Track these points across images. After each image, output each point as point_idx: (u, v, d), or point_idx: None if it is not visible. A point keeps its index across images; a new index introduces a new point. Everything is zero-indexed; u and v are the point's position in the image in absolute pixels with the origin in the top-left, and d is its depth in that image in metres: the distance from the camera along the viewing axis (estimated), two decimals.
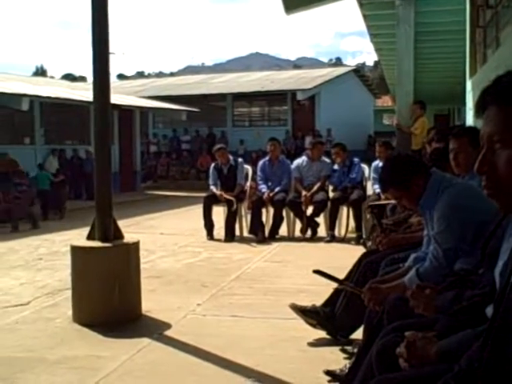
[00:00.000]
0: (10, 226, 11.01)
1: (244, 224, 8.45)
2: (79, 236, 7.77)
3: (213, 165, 8.86)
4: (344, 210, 8.10)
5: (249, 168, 9.06)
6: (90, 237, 4.73)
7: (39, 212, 12.13)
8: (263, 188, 8.53)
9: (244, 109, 25.46)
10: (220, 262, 6.78)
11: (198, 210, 9.14)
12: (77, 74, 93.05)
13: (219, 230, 8.46)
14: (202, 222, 8.45)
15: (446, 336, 2.06)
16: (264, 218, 8.42)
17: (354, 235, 7.98)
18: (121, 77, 68.49)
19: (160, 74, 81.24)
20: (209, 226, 8.41)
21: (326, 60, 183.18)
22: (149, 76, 77.43)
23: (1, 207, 12.86)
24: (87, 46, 4.95)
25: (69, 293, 4.82)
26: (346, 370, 3.15)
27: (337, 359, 3.51)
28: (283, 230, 8.41)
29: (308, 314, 3.92)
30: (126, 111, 18.57)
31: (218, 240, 8.23)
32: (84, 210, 12.13)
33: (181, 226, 9.86)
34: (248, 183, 8.85)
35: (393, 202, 4.68)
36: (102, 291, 4.43)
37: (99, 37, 4.67)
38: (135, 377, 3.39)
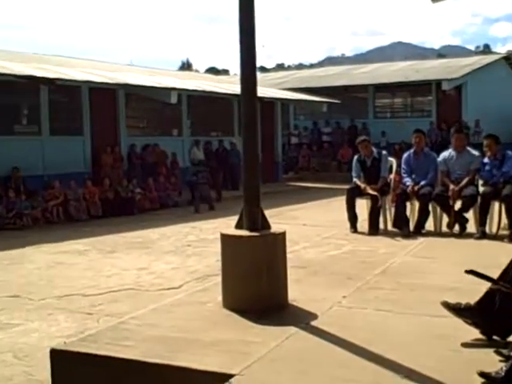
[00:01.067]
0: (161, 213, 11.66)
1: (388, 217, 8.30)
2: (225, 224, 8.09)
3: (356, 157, 8.79)
4: (495, 205, 7.71)
5: (393, 160, 8.88)
6: (238, 226, 4.85)
7: (214, 196, 12.77)
8: (408, 181, 8.32)
9: (386, 100, 25.02)
10: (364, 255, 6.72)
11: (339, 201, 9.14)
12: (220, 67, 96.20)
13: (362, 222, 8.39)
14: (344, 214, 8.42)
15: None
16: (408, 212, 8.22)
17: (506, 232, 7.55)
18: (261, 69, 69.69)
19: (300, 66, 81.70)
20: (352, 218, 8.35)
21: (472, 47, 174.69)
22: (289, 68, 78.20)
23: (152, 195, 13.70)
24: (230, 40, 5.08)
25: (217, 278, 5.02)
26: (503, 374, 3.02)
27: (492, 361, 3.35)
28: (429, 225, 8.16)
29: (461, 312, 3.78)
30: (268, 103, 18.92)
31: (362, 233, 8.15)
32: (229, 200, 12.58)
33: (323, 218, 9.92)
34: (392, 176, 8.69)
35: None
36: (251, 279, 4.55)
37: (246, 30, 4.73)
38: (285, 363, 3.46)
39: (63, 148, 14.02)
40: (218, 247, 4.93)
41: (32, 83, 12.91)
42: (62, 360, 3.78)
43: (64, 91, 14.27)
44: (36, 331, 5.17)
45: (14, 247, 8.96)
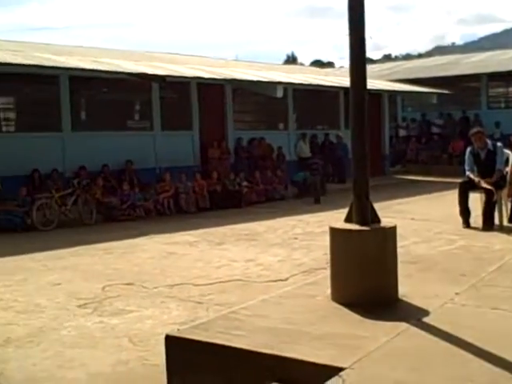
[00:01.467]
0: (267, 206, 11.79)
1: (504, 212, 7.94)
2: (332, 218, 8.05)
3: (469, 149, 8.48)
4: None
5: (509, 153, 8.48)
6: (347, 219, 4.80)
7: (320, 190, 12.88)
8: None
9: (500, 89, 23.91)
10: (478, 251, 6.45)
11: (450, 195, 8.86)
12: (324, 59, 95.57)
13: (476, 217, 8.06)
14: (456, 209, 8.14)
15: None
16: None
17: None
18: (368, 61, 68.58)
19: (407, 56, 79.66)
20: (465, 213, 8.06)
21: None
22: (396, 59, 76.46)
23: (259, 188, 13.87)
24: (335, 32, 4.98)
25: (325, 272, 5.00)
26: None
27: None
28: None
29: None
30: (375, 95, 18.61)
31: (475, 228, 7.84)
32: (334, 193, 12.51)
33: (433, 212, 9.64)
34: (508, 169, 8.30)
35: None
36: (360, 273, 4.50)
37: (356, 21, 4.63)
38: (397, 359, 3.39)
39: (173, 142, 14.49)
40: (324, 240, 4.91)
41: (144, 81, 13.41)
42: (176, 346, 3.92)
43: (174, 87, 14.71)
44: (149, 318, 5.38)
45: (128, 237, 9.38)
